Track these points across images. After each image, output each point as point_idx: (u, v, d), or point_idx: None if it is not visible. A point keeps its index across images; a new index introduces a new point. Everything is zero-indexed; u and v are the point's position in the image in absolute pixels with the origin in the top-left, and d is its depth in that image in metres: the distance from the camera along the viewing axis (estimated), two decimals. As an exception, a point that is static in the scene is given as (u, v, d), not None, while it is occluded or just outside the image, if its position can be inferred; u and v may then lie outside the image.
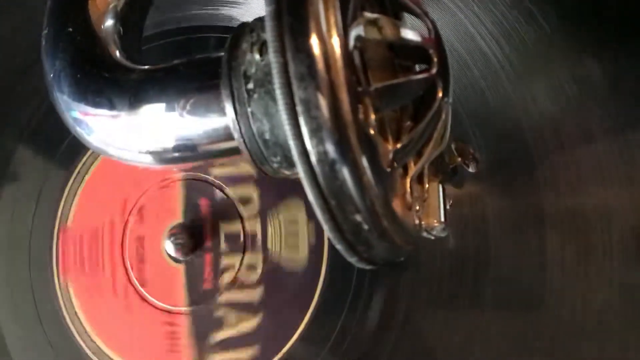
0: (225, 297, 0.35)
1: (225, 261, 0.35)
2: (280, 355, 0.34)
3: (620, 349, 0.31)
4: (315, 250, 0.35)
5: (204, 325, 0.35)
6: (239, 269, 0.35)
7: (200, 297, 0.35)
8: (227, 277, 0.35)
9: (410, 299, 0.34)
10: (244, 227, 0.36)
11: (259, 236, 0.35)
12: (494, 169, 0.35)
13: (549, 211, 0.33)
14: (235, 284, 0.35)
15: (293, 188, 0.35)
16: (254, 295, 0.35)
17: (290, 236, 0.35)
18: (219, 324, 0.35)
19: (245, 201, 0.36)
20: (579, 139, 0.34)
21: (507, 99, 0.35)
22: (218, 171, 0.37)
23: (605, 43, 0.35)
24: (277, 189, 0.36)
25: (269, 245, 0.35)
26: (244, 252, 0.35)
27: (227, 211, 0.36)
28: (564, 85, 0.35)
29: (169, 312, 0.35)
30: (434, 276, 0.34)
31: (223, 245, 0.36)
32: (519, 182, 0.34)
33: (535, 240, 0.33)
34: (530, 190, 0.34)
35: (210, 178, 0.37)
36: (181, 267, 0.36)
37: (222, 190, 0.36)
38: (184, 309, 0.35)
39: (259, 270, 0.35)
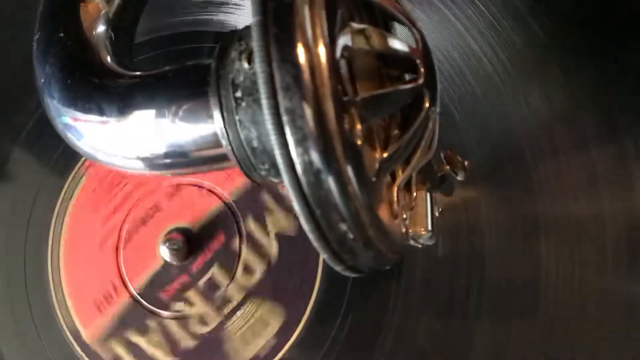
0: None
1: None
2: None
3: (613, 354, 0.32)
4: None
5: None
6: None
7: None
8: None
9: (404, 306, 0.34)
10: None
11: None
12: (488, 175, 0.35)
13: (543, 217, 0.34)
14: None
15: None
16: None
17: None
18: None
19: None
20: (573, 145, 0.34)
21: (501, 104, 0.35)
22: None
23: (598, 49, 0.35)
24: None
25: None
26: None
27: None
28: (558, 91, 0.35)
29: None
30: (427, 283, 0.34)
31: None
32: (512, 188, 0.35)
33: (529, 245, 0.33)
34: (524, 196, 0.34)
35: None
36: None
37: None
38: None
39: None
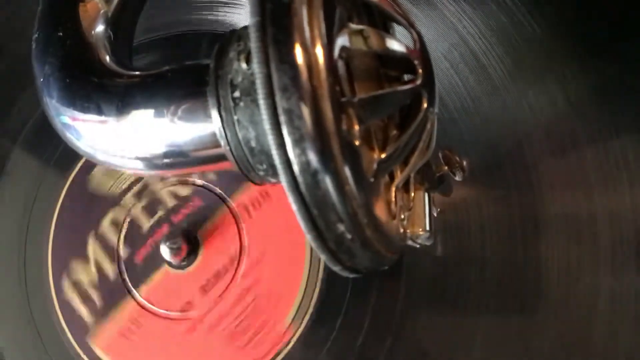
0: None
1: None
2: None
3: (614, 350, 0.32)
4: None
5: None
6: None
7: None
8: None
9: (407, 304, 0.34)
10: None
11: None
12: (487, 174, 0.35)
13: (542, 216, 0.34)
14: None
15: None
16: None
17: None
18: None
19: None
20: (572, 145, 0.34)
21: (500, 104, 0.35)
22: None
23: (596, 49, 0.35)
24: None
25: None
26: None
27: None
28: (557, 91, 0.35)
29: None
30: (427, 282, 0.34)
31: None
32: (511, 188, 0.35)
33: (528, 245, 0.33)
34: (523, 196, 0.34)
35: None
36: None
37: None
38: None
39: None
